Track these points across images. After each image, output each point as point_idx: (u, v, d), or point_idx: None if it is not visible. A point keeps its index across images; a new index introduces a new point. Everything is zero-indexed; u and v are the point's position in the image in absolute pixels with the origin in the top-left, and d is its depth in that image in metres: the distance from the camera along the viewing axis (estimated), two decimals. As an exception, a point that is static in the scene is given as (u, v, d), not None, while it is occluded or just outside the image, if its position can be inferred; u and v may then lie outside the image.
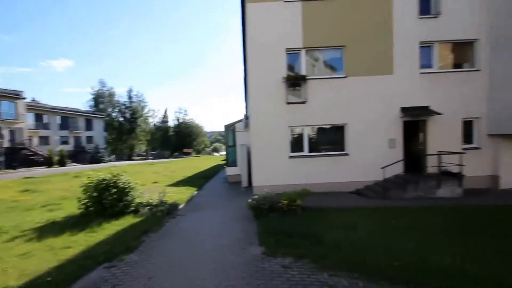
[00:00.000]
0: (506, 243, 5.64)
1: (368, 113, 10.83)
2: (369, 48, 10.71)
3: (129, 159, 55.53)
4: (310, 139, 11.30)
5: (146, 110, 62.63)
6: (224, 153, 32.52)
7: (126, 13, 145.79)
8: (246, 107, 18.66)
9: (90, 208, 8.03)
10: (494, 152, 10.93)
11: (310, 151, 11.20)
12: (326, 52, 11.14)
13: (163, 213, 8.34)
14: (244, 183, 13.47)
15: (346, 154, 11.00)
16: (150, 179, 17.17)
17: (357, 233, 6.21)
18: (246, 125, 14.69)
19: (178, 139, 73.45)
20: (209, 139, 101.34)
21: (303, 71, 10.94)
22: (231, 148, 16.31)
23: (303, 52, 10.96)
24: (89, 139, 48.42)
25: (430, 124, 10.90)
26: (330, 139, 11.36)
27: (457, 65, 11.22)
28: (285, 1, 10.73)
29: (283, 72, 10.82)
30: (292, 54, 11.08)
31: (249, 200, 8.07)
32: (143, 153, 66.75)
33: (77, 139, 46.32)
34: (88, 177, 8.26)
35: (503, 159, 10.79)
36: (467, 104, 10.88)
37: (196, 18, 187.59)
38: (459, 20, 10.72)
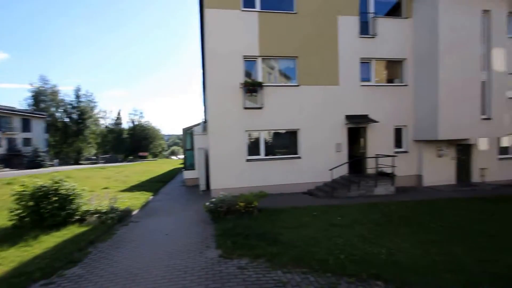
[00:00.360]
0: (429, 231, 6.34)
1: (318, 119, 11.33)
2: (319, 60, 11.25)
3: (76, 163, 50.08)
4: (266, 143, 11.41)
5: (96, 111, 57.38)
6: (182, 156, 31.23)
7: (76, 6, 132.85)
8: (205, 111, 18.20)
9: (25, 219, 6.91)
10: (418, 155, 12.27)
11: (266, 154, 11.30)
12: (281, 61, 11.41)
13: (114, 220, 7.57)
14: (202, 186, 13.04)
15: (299, 157, 11.34)
16: (100, 185, 15.61)
17: (308, 230, 6.40)
18: (204, 129, 14.29)
19: (133, 142, 68.64)
20: (167, 142, 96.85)
21: (259, 78, 11.03)
22: (189, 152, 15.71)
23: (259, 60, 11.06)
24: (27, 141, 42.13)
25: (369, 130, 11.83)
26: (284, 143, 11.60)
27: (390, 80, 12.41)
28: (243, 10, 10.74)
29: (241, 78, 10.77)
30: (249, 62, 11.11)
31: (207, 203, 7.78)
32: (92, 157, 60.84)
33: (11, 141, 40.05)
34: (23, 184, 7.11)
35: (425, 161, 12.17)
36: (398, 114, 12.06)
37: (156, 23, 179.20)
38: (391, 42, 11.88)
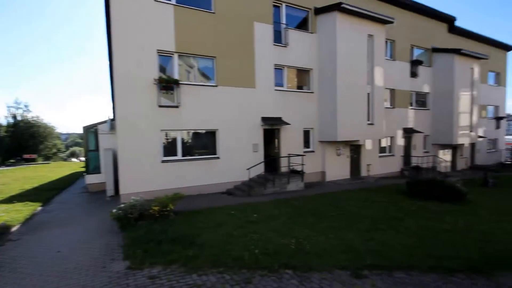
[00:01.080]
0: (330, 219, 7.35)
1: (236, 120, 11.63)
2: (236, 62, 11.56)
3: None
4: (184, 143, 11.02)
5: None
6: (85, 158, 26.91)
7: None
8: (114, 108, 16.23)
9: None
10: (322, 154, 14.09)
11: (184, 155, 10.91)
12: (200, 60, 11.21)
13: (-20, 241, 5.95)
14: (110, 192, 11.59)
15: (218, 158, 11.39)
16: (-39, 197, 11.99)
17: (226, 229, 6.50)
18: (112, 127, 12.75)
19: (14, 142, 55.05)
20: (65, 143, 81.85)
21: (176, 75, 10.56)
22: (92, 153, 13.70)
23: (175, 56, 10.60)
24: None
25: (283, 132, 12.88)
26: (203, 143, 11.46)
27: (300, 86, 13.81)
28: (156, 1, 10.07)
29: (155, 73, 10.08)
30: (165, 57, 10.52)
31: (114, 210, 6.96)
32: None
33: None
34: None
35: (327, 159, 14.06)
36: (306, 117, 13.54)
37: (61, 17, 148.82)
38: (300, 52, 13.23)
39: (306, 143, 13.77)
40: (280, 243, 5.59)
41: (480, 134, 21.37)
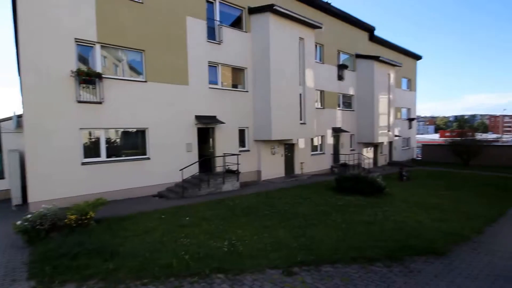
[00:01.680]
0: (264, 218, 7.85)
1: (168, 118, 11.45)
2: (168, 57, 11.34)
3: None
4: (109, 143, 10.41)
5: None
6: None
7: None
8: (23, 102, 14.20)
9: None
10: (257, 153, 14.87)
11: (109, 156, 10.32)
12: (127, 53, 10.67)
13: None
14: (17, 200, 10.23)
15: (148, 158, 11.07)
16: None
17: (154, 236, 6.41)
18: (19, 125, 11.23)
19: None
20: None
21: (98, 68, 9.87)
22: (-11, 155, 11.81)
23: (97, 47, 9.90)
24: None
25: (217, 131, 13.19)
26: (131, 143, 10.99)
27: (235, 85, 14.27)
28: (71, -17, 9.23)
29: (72, 65, 9.26)
30: (85, 47, 9.75)
31: (18, 222, 6.30)
32: None
33: None
34: None
35: (262, 158, 14.92)
36: (241, 116, 14.09)
37: None
38: (234, 50, 13.62)
39: (242, 142, 14.36)
40: (213, 246, 5.69)
41: (396, 133, 25.25)
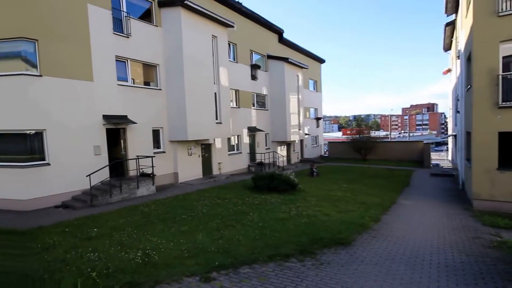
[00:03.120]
0: (181, 223, 8.36)
1: (71, 118, 11.48)
2: (67, 49, 11.38)
3: None
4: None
5: None
6: None
7: None
8: None
9: None
10: (173, 154, 16.00)
11: (-10, 164, 9.83)
12: (16, 43, 10.36)
13: None
14: None
15: (48, 164, 10.88)
16: None
17: (55, 254, 6.20)
18: None
19: None
20: None
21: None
22: None
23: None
24: None
25: (129, 131, 13.78)
26: (23, 148, 10.58)
27: (147, 82, 15.14)
28: None
29: None
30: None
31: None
32: None
33: None
34: None
35: (179, 160, 16.13)
36: (155, 116, 15.02)
37: None
38: (145, 45, 14.51)
39: (156, 144, 15.27)
40: (124, 259, 5.81)
41: (306, 132, 30.02)
